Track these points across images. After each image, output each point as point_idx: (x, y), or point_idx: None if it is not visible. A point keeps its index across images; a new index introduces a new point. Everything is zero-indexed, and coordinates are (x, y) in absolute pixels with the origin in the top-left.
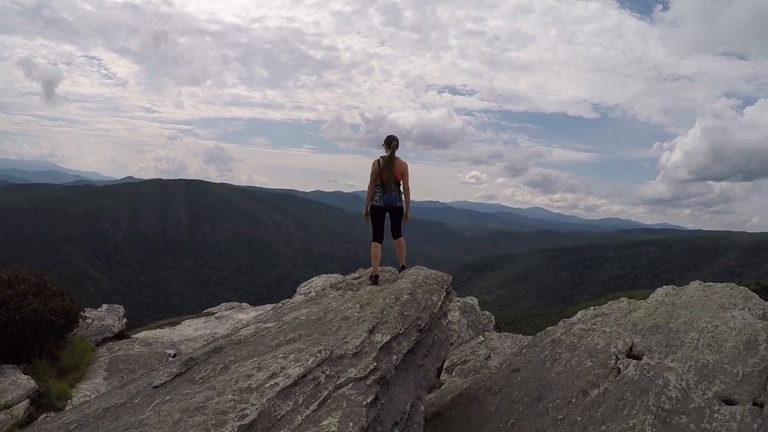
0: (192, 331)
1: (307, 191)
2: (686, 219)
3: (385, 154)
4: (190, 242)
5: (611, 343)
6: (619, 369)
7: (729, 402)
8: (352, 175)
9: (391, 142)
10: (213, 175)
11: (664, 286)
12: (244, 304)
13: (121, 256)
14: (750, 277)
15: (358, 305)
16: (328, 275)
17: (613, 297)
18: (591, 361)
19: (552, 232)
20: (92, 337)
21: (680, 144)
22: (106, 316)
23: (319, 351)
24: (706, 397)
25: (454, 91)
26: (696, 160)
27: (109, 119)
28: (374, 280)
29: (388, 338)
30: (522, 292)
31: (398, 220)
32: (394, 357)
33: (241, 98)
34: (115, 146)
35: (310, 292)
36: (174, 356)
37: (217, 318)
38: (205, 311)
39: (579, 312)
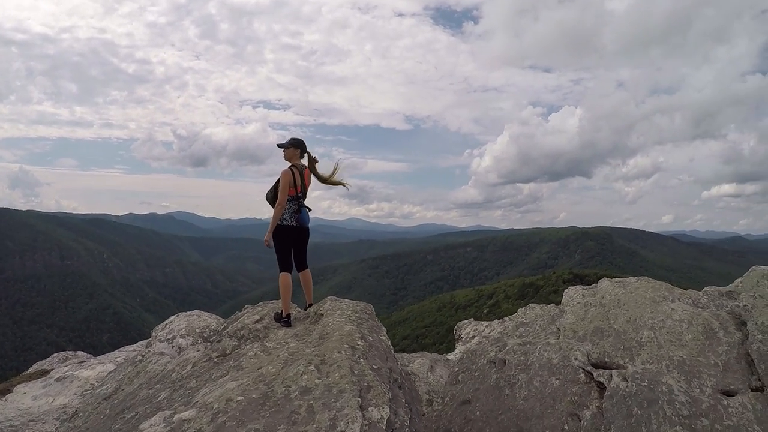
0: (30, 401)
1: (119, 215)
2: (498, 220)
3: (297, 162)
4: None
5: (567, 355)
6: (600, 383)
7: (729, 393)
8: (165, 195)
9: (303, 147)
10: (18, 202)
11: (574, 287)
12: (80, 353)
13: None
14: (562, 267)
15: (311, 366)
16: (188, 314)
17: (437, 299)
18: (557, 380)
19: (371, 241)
20: None
21: (490, 150)
22: None
23: None
24: (707, 393)
25: (269, 105)
26: (505, 164)
27: None
28: (287, 320)
29: (387, 411)
30: None
31: (305, 246)
32: None
33: (48, 115)
34: None
35: (174, 338)
36: None
37: (58, 380)
38: (38, 369)
39: (494, 322)
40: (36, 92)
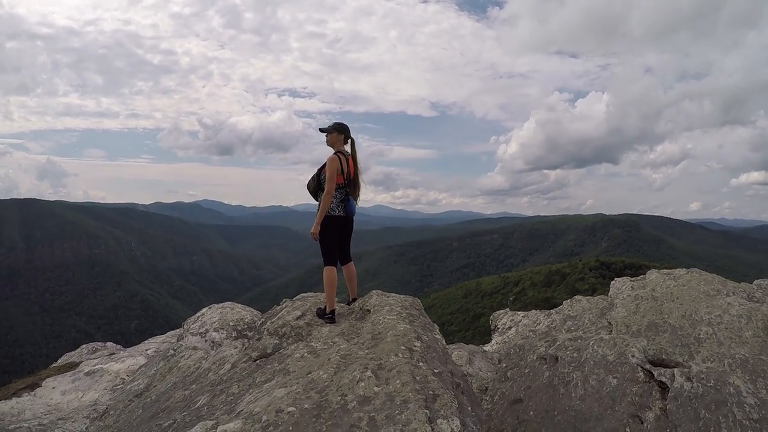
0: (59, 396)
1: (147, 204)
2: (525, 207)
3: (342, 149)
4: (27, 267)
5: (624, 351)
6: (662, 382)
7: None
8: (192, 184)
9: (348, 132)
10: (47, 192)
11: (621, 278)
12: (110, 344)
13: None
14: (589, 255)
15: (368, 372)
16: (221, 306)
17: (463, 286)
18: (614, 378)
19: (397, 228)
20: None
21: (516, 137)
22: None
23: None
24: None
25: (294, 93)
26: (531, 151)
27: None
28: (331, 317)
29: (458, 424)
30: (372, 289)
31: (349, 237)
32: None
33: (74, 107)
34: None
35: (207, 332)
36: None
37: (87, 374)
38: (67, 361)
39: (531, 312)
40: (62, 85)
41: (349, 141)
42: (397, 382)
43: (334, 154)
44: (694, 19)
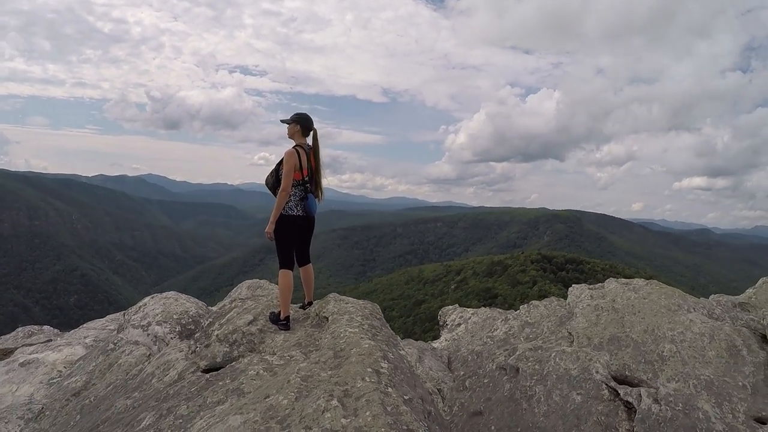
0: None
1: (90, 176)
2: (470, 197)
3: (302, 141)
4: None
5: (587, 367)
6: (628, 402)
7: (762, 420)
8: (137, 157)
9: (308, 123)
10: None
11: (578, 285)
12: (46, 327)
13: None
14: (531, 248)
15: (334, 401)
16: (164, 296)
17: (405, 272)
18: (578, 395)
19: (341, 211)
20: None
21: (465, 128)
22: None
23: None
24: (741, 420)
25: (245, 71)
26: (480, 142)
27: None
28: (285, 323)
29: None
30: (315, 271)
31: (309, 237)
32: None
33: (19, 72)
34: None
35: (149, 325)
36: None
37: (22, 365)
38: (2, 347)
39: (480, 310)
40: (8, 49)
41: (311, 133)
42: (367, 413)
43: (293, 147)
44: (649, 25)
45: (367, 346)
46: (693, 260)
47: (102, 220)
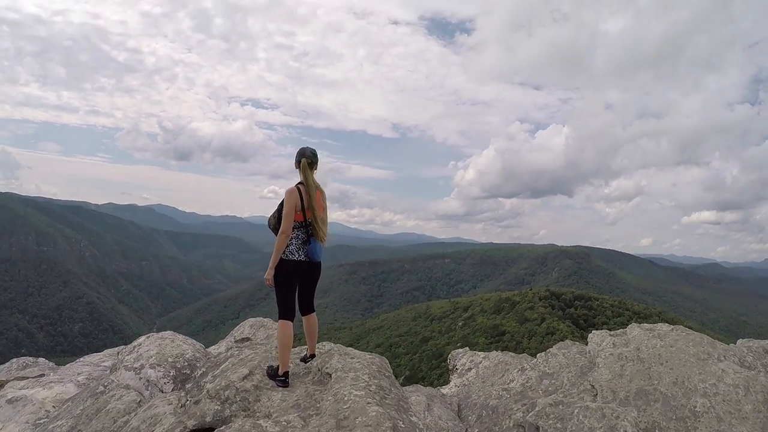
0: None
1: (99, 203)
2: (479, 233)
3: (308, 178)
4: None
5: (615, 425)
6: None
7: None
8: (147, 187)
9: (313, 159)
10: None
11: (599, 332)
12: (41, 360)
13: None
14: (540, 284)
15: None
16: (161, 336)
17: (413, 308)
18: None
19: (350, 246)
20: None
21: (474, 164)
22: None
23: None
24: None
25: (257, 104)
26: (488, 178)
27: None
28: (283, 379)
29: None
30: (322, 306)
31: (314, 285)
32: None
33: (34, 98)
34: None
35: (143, 368)
36: None
37: (10, 402)
38: None
39: (491, 353)
40: (24, 73)
41: (314, 170)
42: None
43: (296, 185)
44: (657, 60)
45: (374, 414)
46: (702, 295)
47: (110, 249)
